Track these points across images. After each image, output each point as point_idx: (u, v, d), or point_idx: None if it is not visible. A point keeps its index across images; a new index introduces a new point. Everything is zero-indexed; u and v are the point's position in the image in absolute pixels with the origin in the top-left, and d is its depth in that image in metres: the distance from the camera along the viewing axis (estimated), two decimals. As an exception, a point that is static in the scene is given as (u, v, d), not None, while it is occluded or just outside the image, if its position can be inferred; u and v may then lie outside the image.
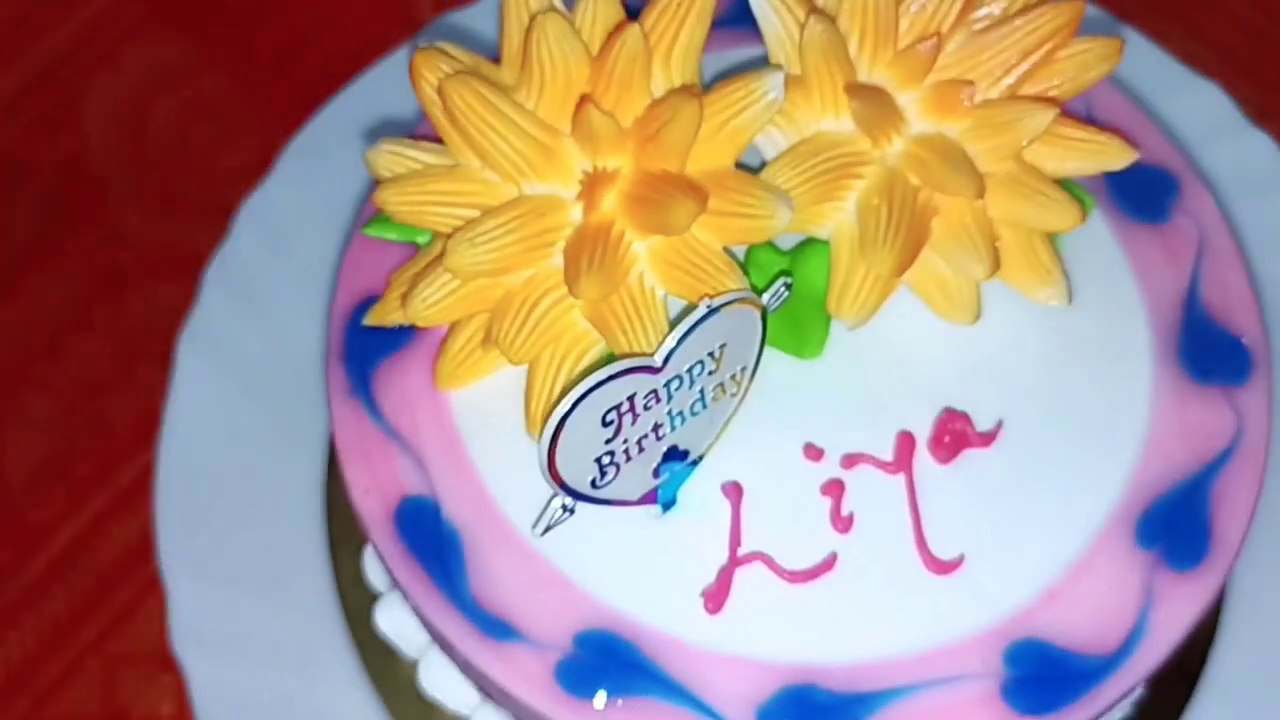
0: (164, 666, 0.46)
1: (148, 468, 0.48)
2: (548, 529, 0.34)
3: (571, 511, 0.34)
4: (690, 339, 0.33)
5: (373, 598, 0.44)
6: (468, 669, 0.36)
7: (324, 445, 0.47)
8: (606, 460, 0.33)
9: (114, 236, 0.53)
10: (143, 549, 0.48)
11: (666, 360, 0.32)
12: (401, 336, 0.38)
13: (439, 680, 0.43)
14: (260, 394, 0.47)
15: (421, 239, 0.38)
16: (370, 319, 0.37)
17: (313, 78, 0.54)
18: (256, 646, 0.43)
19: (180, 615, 0.44)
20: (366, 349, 0.38)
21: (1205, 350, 0.38)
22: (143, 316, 0.52)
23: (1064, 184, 0.37)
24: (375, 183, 0.38)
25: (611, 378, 0.32)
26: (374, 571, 0.44)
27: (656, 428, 0.34)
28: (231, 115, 0.55)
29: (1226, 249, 0.40)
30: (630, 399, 0.32)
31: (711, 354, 0.33)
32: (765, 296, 0.34)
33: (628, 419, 0.33)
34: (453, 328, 0.37)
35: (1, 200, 0.53)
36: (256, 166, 0.52)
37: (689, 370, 0.33)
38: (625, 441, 0.33)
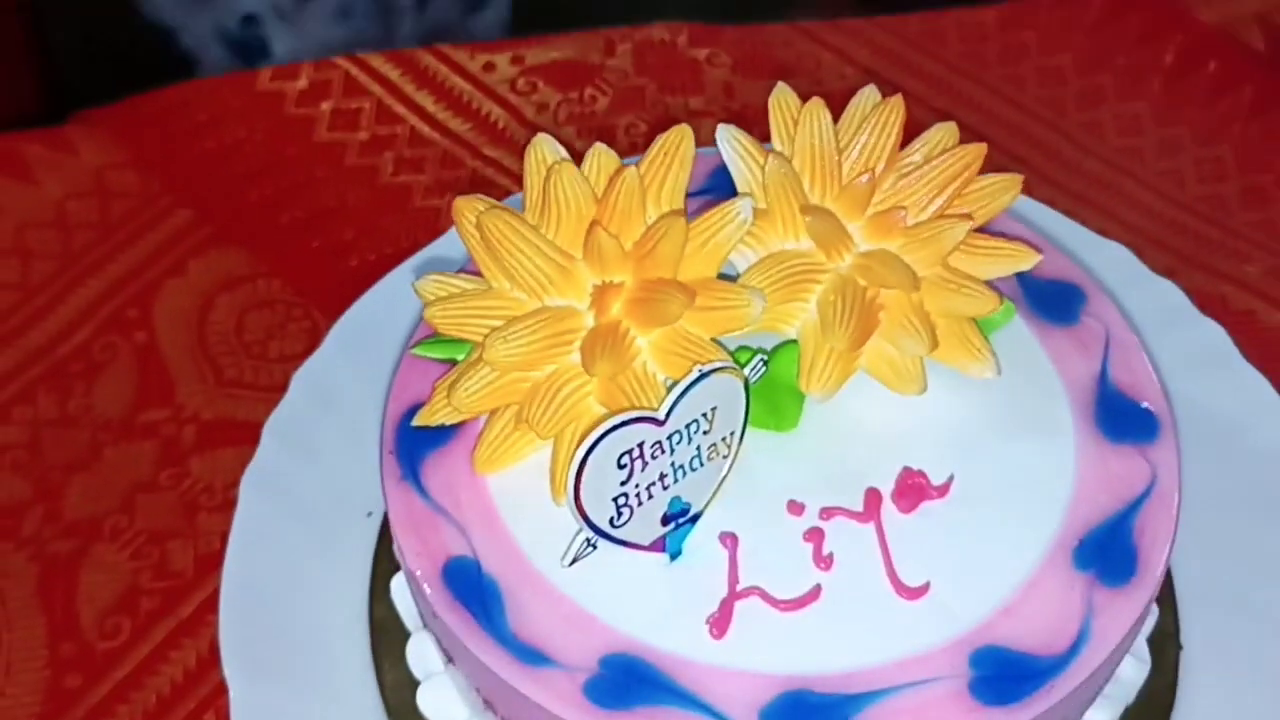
0: (219, 774, 0.50)
1: (206, 601, 0.54)
2: (574, 560, 0.40)
3: (594, 546, 0.40)
4: (686, 398, 0.40)
5: (413, 691, 0.49)
6: (507, 697, 0.41)
7: (368, 571, 0.53)
8: (622, 501, 0.40)
9: (179, 413, 0.61)
10: (200, 672, 0.53)
11: (668, 414, 0.40)
12: (443, 435, 0.45)
13: (475, 757, 0.47)
14: (311, 527, 0.53)
15: (459, 355, 0.46)
16: (419, 420, 0.44)
17: (353, 277, 0.63)
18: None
19: (242, 715, 0.48)
20: (415, 445, 0.45)
21: (1118, 418, 0.45)
22: (203, 477, 0.59)
23: (986, 289, 0.45)
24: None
25: (626, 423, 0.39)
26: (415, 662, 0.49)
27: (662, 477, 0.40)
28: (282, 309, 0.64)
29: (1130, 342, 0.47)
30: (640, 446, 0.39)
31: (705, 415, 0.41)
32: (746, 369, 0.42)
33: (638, 464, 0.40)
34: (489, 419, 0.44)
35: (84, 384, 0.61)
36: (304, 351, 0.60)
37: (687, 427, 0.40)
38: (637, 486, 0.40)
